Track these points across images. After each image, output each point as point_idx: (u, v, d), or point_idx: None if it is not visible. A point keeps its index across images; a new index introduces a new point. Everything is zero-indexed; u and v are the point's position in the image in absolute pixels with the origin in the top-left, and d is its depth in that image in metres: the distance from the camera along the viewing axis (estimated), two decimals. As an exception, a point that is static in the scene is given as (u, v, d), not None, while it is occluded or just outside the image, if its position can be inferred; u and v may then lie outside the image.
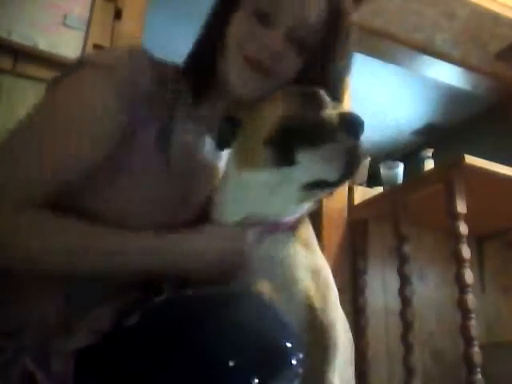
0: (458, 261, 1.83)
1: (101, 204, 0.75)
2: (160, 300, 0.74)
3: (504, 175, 1.95)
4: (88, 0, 1.84)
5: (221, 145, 0.84)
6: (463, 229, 1.85)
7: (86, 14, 1.82)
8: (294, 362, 0.59)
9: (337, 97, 0.84)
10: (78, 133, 0.73)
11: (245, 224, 0.79)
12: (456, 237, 1.85)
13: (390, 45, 2.88)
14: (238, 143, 0.81)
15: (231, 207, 0.80)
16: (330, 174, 0.73)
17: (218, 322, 0.58)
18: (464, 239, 1.84)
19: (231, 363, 0.55)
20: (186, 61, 0.88)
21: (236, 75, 0.81)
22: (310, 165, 0.72)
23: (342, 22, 0.85)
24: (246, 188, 0.78)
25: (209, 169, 0.90)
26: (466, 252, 1.83)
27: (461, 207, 1.86)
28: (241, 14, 0.82)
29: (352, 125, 0.71)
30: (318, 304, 0.77)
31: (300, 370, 0.61)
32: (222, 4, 0.86)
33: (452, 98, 3.81)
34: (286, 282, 0.77)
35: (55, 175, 0.71)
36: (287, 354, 0.59)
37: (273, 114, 0.77)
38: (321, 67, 0.83)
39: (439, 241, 2.59)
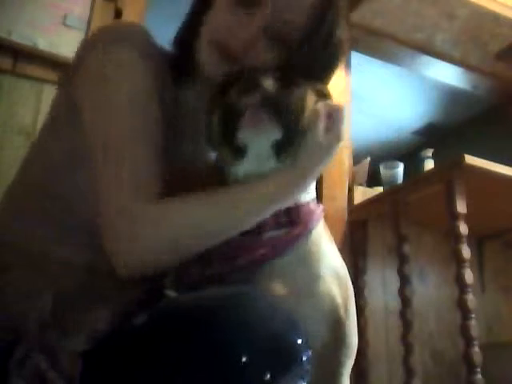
0: (458, 261, 1.83)
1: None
2: (170, 298, 0.75)
3: (504, 175, 1.95)
4: (88, 0, 1.84)
5: None
6: (463, 229, 1.85)
7: (86, 14, 1.82)
8: (304, 358, 0.60)
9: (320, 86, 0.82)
10: (148, 108, 0.74)
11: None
12: (456, 237, 1.85)
13: (389, 45, 2.88)
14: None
15: None
16: (271, 132, 0.71)
17: (231, 318, 0.59)
18: (464, 239, 1.84)
19: (244, 359, 0.56)
20: (171, 47, 0.88)
21: (205, 59, 0.81)
22: (251, 141, 0.72)
23: (331, 11, 0.81)
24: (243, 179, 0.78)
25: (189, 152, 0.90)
26: (466, 252, 1.83)
27: (461, 207, 1.86)
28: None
29: (244, 79, 0.70)
30: (342, 311, 0.78)
31: (309, 368, 0.62)
32: None
33: (452, 97, 3.81)
34: (309, 284, 0.77)
35: (155, 152, 0.73)
36: (298, 351, 0.60)
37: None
38: (307, 55, 0.81)
39: (439, 241, 2.59)
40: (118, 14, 1.90)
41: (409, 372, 2.01)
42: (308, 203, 0.81)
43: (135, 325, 0.66)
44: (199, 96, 0.88)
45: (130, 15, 1.92)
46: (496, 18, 2.68)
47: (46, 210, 0.77)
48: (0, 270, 0.73)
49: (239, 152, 0.73)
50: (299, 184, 0.75)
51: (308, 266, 0.78)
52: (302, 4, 0.79)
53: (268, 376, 0.56)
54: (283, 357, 0.59)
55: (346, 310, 0.80)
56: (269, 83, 0.71)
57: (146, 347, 0.63)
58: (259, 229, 0.75)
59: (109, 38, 0.78)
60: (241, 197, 0.72)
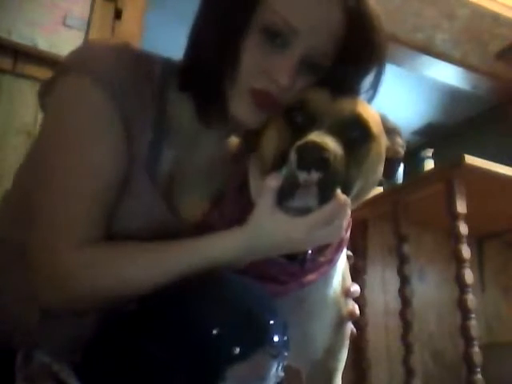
0: (458, 261, 1.83)
1: None
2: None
3: (504, 175, 1.95)
4: (88, 0, 1.84)
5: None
6: (463, 229, 1.85)
7: (86, 14, 1.82)
8: (276, 339, 0.61)
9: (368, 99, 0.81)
10: (90, 151, 0.71)
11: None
12: (456, 237, 1.85)
13: (390, 45, 2.88)
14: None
15: None
16: (310, 201, 0.67)
17: (205, 295, 0.63)
18: (464, 239, 1.84)
19: (214, 332, 0.59)
20: (185, 75, 0.79)
21: (242, 111, 0.75)
22: (298, 206, 0.68)
23: (365, 33, 0.76)
24: None
25: (201, 182, 0.86)
26: (466, 252, 1.83)
27: (461, 207, 1.86)
28: (252, 29, 0.72)
29: (302, 160, 0.64)
30: (344, 311, 0.82)
31: (284, 352, 0.63)
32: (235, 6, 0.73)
33: (452, 97, 3.80)
34: (325, 295, 0.80)
35: (94, 204, 0.70)
36: (269, 330, 0.61)
37: (269, 146, 0.73)
38: (343, 75, 0.76)
39: (439, 241, 2.59)
40: (118, 13, 1.90)
41: (409, 372, 2.01)
42: None
43: (125, 311, 0.69)
44: (220, 140, 0.85)
45: (129, 15, 1.92)
46: (496, 18, 2.69)
47: None
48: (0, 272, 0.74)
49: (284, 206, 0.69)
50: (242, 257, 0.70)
51: (328, 279, 0.80)
52: (330, 28, 0.73)
53: (237, 350, 0.58)
54: (253, 334, 0.60)
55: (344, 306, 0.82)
56: (332, 155, 0.64)
57: (133, 325, 0.66)
58: (304, 254, 0.75)
59: (73, 68, 0.73)
60: (172, 256, 0.69)
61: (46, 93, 0.77)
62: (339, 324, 0.81)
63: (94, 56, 0.73)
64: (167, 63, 0.81)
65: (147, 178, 0.74)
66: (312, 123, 0.69)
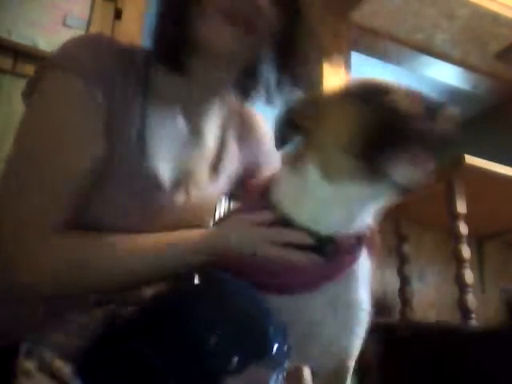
0: (458, 261, 1.83)
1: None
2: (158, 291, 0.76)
3: (504, 175, 1.95)
4: (88, 0, 1.84)
5: (278, 145, 0.78)
6: (463, 229, 1.85)
7: (86, 14, 1.82)
8: (275, 349, 0.60)
9: (299, 84, 0.83)
10: (70, 142, 0.72)
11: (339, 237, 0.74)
12: (456, 237, 1.85)
13: (389, 45, 2.88)
14: (314, 152, 0.72)
15: (323, 219, 0.72)
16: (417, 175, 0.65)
17: (204, 301, 0.61)
18: (464, 239, 1.84)
19: (213, 340, 0.58)
20: (156, 36, 0.80)
21: (214, 34, 0.75)
22: (400, 170, 0.66)
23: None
24: (337, 200, 0.72)
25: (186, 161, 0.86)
26: (466, 252, 1.83)
27: (461, 207, 1.86)
28: None
29: (432, 108, 0.61)
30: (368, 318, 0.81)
31: (284, 362, 0.62)
32: None
33: (452, 97, 3.80)
34: (351, 296, 0.80)
35: (67, 191, 0.70)
36: (269, 340, 0.60)
37: (345, 120, 0.69)
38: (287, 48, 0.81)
39: (439, 241, 2.59)
40: (118, 13, 1.90)
41: (409, 372, 2.01)
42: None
43: (124, 315, 0.69)
44: (193, 84, 0.84)
45: (129, 15, 1.92)
46: (496, 18, 2.68)
47: None
48: None
49: (378, 173, 0.66)
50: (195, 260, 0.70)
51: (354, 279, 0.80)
52: None
53: (235, 361, 0.57)
54: (252, 345, 0.60)
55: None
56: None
57: (131, 331, 0.66)
58: (337, 252, 0.73)
59: (58, 64, 0.74)
60: (142, 241, 0.71)
61: (31, 92, 0.78)
62: (362, 330, 0.80)
63: (78, 52, 0.75)
64: (148, 52, 0.82)
65: (138, 162, 0.76)
66: None
